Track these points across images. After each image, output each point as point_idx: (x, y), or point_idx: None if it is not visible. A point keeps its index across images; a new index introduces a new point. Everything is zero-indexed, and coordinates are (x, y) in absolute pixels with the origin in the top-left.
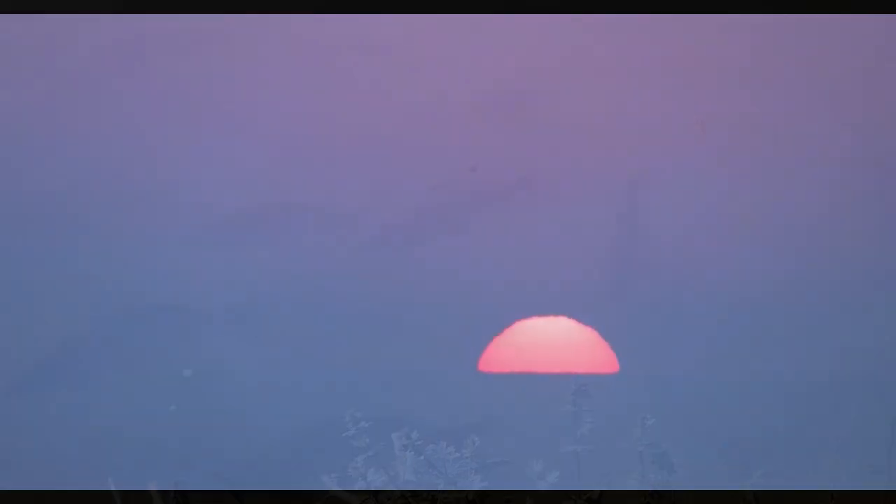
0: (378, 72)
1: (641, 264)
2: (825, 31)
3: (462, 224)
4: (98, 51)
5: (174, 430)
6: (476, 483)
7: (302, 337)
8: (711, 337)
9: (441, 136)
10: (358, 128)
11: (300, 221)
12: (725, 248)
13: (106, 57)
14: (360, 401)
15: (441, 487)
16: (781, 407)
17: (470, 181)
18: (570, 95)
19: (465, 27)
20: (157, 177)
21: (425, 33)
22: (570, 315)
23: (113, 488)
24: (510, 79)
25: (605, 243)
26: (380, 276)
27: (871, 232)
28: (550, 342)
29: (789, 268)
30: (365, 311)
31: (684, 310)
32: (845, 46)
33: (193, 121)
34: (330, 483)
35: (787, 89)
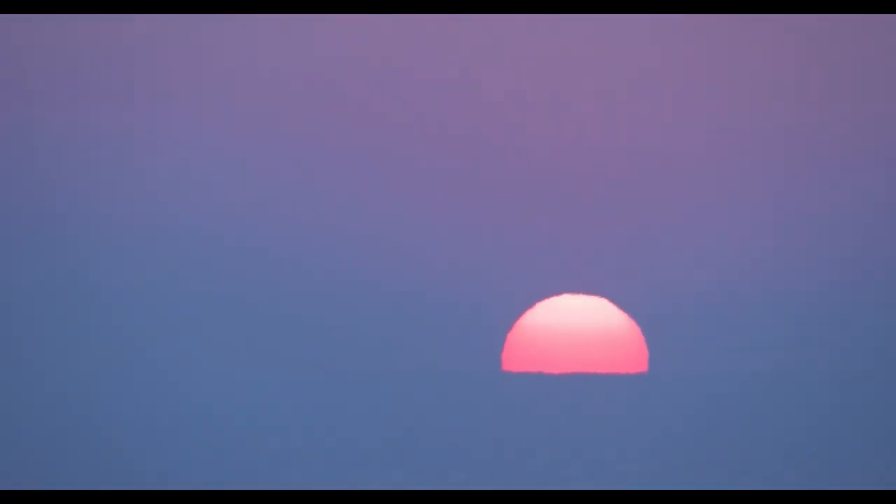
0: (378, 71)
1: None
2: (827, 31)
3: (464, 221)
4: (93, 51)
5: (167, 426)
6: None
7: (302, 333)
8: (748, 336)
9: (442, 135)
10: (358, 126)
11: (303, 219)
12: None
13: (100, 57)
14: (366, 400)
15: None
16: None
17: (473, 179)
18: (574, 95)
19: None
20: (147, 173)
21: (426, 34)
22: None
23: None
24: (511, 79)
25: (616, 241)
26: (383, 274)
27: None
28: (577, 339)
29: (832, 268)
30: (369, 310)
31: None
32: (848, 46)
33: (191, 119)
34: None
35: (804, 92)
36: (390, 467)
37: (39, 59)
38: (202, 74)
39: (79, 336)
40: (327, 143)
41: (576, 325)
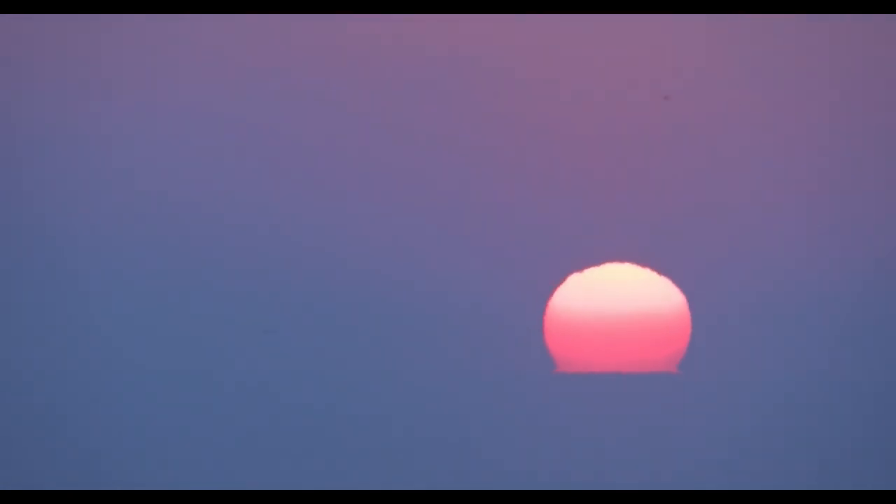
0: (380, 72)
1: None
2: (826, 31)
3: (467, 222)
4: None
5: (164, 428)
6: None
7: (307, 335)
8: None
9: (447, 136)
10: (360, 126)
11: (309, 217)
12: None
13: (95, 57)
14: (374, 402)
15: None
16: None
17: (476, 180)
18: (576, 95)
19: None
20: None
21: (431, 34)
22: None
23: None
24: (512, 80)
25: (620, 239)
26: (392, 276)
27: None
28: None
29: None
30: (375, 312)
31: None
32: (845, 46)
33: (186, 120)
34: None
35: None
36: (421, 468)
37: (31, 57)
38: (201, 74)
39: (78, 336)
40: (327, 143)
41: (617, 307)
